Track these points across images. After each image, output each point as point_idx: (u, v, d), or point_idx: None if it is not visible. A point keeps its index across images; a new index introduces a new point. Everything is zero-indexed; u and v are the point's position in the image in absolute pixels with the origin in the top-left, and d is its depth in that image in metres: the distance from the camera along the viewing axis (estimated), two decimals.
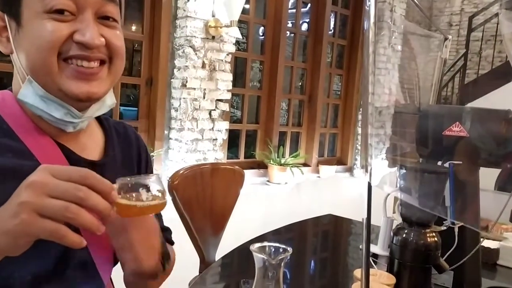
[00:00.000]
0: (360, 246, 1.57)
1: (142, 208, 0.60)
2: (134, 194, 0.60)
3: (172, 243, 1.06)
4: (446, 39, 1.36)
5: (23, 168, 0.69)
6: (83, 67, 0.71)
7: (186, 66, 2.75)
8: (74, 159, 0.77)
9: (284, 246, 0.68)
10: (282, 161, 3.58)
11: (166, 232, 1.04)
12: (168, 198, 1.65)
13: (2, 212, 0.57)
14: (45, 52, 0.68)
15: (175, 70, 2.81)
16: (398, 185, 1.02)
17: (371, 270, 1.03)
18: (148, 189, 0.61)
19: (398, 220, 1.19)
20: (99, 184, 0.57)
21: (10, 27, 0.71)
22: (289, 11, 3.69)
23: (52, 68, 0.69)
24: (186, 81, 2.75)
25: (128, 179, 0.61)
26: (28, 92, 0.72)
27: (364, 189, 0.70)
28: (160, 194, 0.62)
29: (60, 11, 0.68)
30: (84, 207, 0.55)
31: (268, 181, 3.55)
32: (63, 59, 0.70)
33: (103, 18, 0.73)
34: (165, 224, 1.05)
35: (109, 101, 0.79)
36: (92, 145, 0.84)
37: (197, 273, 1.76)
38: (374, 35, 0.71)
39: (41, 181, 0.55)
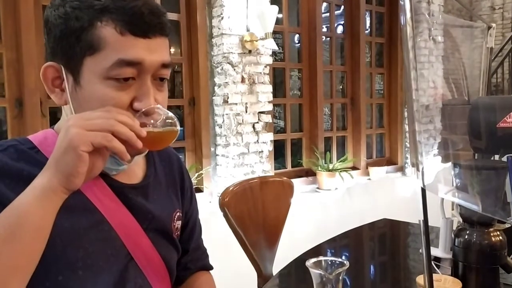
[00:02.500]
0: (420, 250, 1.51)
1: (159, 133, 0.70)
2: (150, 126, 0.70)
3: (210, 268, 1.06)
4: (489, 27, 1.30)
5: (69, 201, 0.73)
6: None
7: (226, 82, 2.79)
8: (117, 187, 0.80)
9: (340, 260, 0.67)
10: (330, 166, 3.53)
11: (203, 256, 1.05)
12: (218, 223, 1.68)
13: (54, 155, 0.64)
14: None
15: (215, 88, 2.86)
16: (453, 185, 0.98)
17: (435, 276, 0.99)
18: (163, 119, 0.71)
19: (458, 218, 1.15)
20: (121, 112, 0.66)
21: (67, 80, 0.74)
22: (323, 15, 3.67)
23: None
24: (227, 97, 2.79)
25: (140, 114, 0.71)
26: None
27: (417, 190, 0.67)
28: (174, 121, 0.72)
29: (125, 79, 0.71)
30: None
31: (317, 188, 3.51)
32: None
33: (158, 79, 0.76)
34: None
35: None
36: (135, 170, 0.87)
37: None
38: (412, 30, 0.69)
39: (78, 115, 0.65)
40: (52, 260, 0.69)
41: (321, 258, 0.66)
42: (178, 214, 0.93)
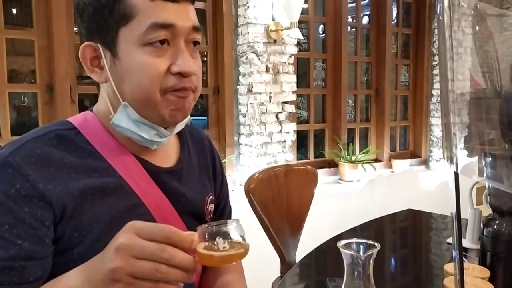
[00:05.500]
0: (448, 240, 1.50)
1: (224, 257, 0.61)
2: (215, 243, 0.61)
3: None
4: None
5: (109, 185, 0.75)
6: (180, 94, 0.77)
7: (251, 71, 2.80)
8: (153, 171, 0.82)
9: (371, 242, 0.68)
10: (353, 158, 3.51)
11: None
12: (246, 205, 1.70)
13: (96, 272, 0.61)
14: (148, 87, 0.74)
15: (240, 77, 2.87)
16: (485, 175, 0.97)
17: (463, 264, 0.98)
18: (229, 236, 0.63)
19: (486, 211, 1.13)
20: (181, 242, 0.60)
21: (105, 56, 0.76)
22: (349, 5, 3.63)
23: (155, 99, 0.75)
24: (252, 87, 2.80)
25: (209, 227, 0.63)
26: (122, 117, 0.77)
27: (445, 181, 0.67)
28: (241, 240, 0.63)
29: (161, 42, 0.74)
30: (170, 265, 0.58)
31: (340, 179, 3.50)
32: (163, 90, 0.75)
33: (191, 44, 0.78)
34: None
35: (187, 118, 0.85)
36: (170, 153, 0.90)
37: (279, 274, 1.78)
38: (449, 18, 0.69)
39: (128, 243, 0.58)
40: (89, 245, 0.71)
41: (353, 240, 0.67)
42: (211, 197, 0.95)
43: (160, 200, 0.82)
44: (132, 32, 0.73)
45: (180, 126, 0.85)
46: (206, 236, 0.61)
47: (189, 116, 0.85)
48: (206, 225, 0.63)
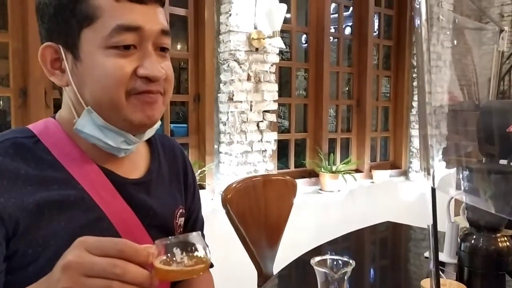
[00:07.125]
0: (425, 254, 1.49)
1: (182, 272, 0.58)
2: (174, 257, 0.58)
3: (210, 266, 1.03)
4: (502, 30, 1.28)
5: (69, 198, 0.70)
6: (147, 99, 0.73)
7: (232, 80, 2.77)
8: (119, 182, 0.77)
9: (346, 259, 0.65)
10: (334, 168, 3.51)
11: None
12: (225, 215, 1.66)
13: None
14: (113, 89, 0.69)
15: (221, 85, 2.85)
16: (462, 188, 0.96)
17: (440, 280, 0.97)
18: (188, 249, 0.59)
19: (463, 224, 1.13)
20: (136, 257, 0.56)
21: (66, 59, 0.72)
22: (331, 16, 3.65)
23: (120, 103, 0.70)
24: (233, 95, 2.78)
25: (168, 240, 0.59)
26: (86, 122, 0.72)
27: (424, 193, 0.66)
28: (202, 254, 0.59)
29: (126, 47, 0.69)
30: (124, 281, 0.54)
31: (320, 189, 3.49)
32: (128, 92, 0.71)
33: (159, 49, 0.74)
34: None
35: (157, 124, 0.81)
36: (138, 163, 0.85)
37: (256, 287, 1.74)
38: (427, 32, 0.68)
39: (77, 261, 0.54)
40: (45, 263, 0.66)
41: (327, 256, 0.64)
42: (181, 211, 0.91)
43: (125, 214, 0.77)
44: (95, 34, 0.69)
45: (149, 133, 0.80)
46: (165, 250, 0.58)
47: (159, 122, 0.81)
48: (166, 239, 0.59)
